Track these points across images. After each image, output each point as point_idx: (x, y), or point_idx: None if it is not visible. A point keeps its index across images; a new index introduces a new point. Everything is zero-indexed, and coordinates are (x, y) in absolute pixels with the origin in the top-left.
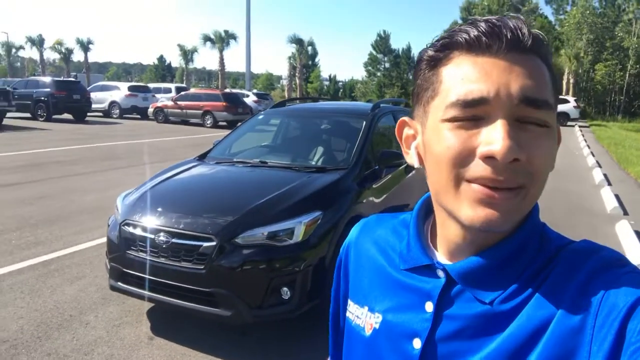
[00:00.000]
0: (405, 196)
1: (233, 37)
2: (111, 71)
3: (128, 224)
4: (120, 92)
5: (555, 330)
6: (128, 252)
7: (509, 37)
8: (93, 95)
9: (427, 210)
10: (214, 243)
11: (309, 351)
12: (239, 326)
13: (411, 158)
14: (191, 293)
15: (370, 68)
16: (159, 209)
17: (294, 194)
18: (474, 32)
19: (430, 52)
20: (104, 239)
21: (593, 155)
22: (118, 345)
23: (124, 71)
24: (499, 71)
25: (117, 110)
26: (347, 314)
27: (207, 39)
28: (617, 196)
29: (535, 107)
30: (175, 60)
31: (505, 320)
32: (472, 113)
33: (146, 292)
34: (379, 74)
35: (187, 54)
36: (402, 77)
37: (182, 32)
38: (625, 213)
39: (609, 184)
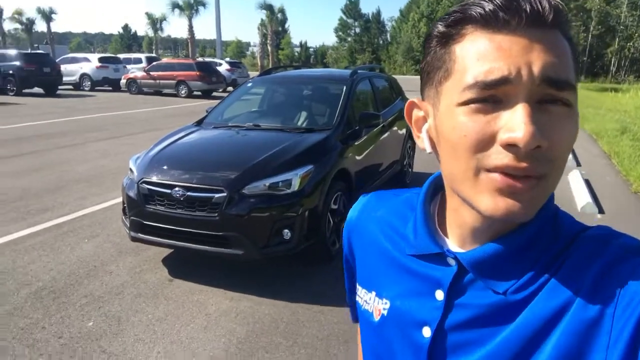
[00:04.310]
0: (381, 153)
1: (202, 3)
2: (74, 42)
3: (146, 182)
4: (90, 64)
5: (572, 320)
6: (147, 206)
7: (528, 11)
8: (63, 67)
9: (435, 192)
10: (224, 194)
11: (311, 284)
12: (248, 263)
13: (422, 142)
14: (207, 237)
15: (340, 34)
16: (173, 168)
17: (288, 151)
18: (489, 6)
19: (441, 28)
20: (108, 204)
21: None
22: (143, 287)
23: (86, 41)
24: (519, 49)
25: (89, 83)
26: (357, 298)
27: (175, 5)
28: (572, 149)
29: (558, 89)
30: (140, 29)
31: (518, 309)
32: (491, 94)
33: (167, 240)
34: (349, 39)
35: (156, 23)
36: (372, 42)
37: (146, 1)
38: (578, 164)
39: None
